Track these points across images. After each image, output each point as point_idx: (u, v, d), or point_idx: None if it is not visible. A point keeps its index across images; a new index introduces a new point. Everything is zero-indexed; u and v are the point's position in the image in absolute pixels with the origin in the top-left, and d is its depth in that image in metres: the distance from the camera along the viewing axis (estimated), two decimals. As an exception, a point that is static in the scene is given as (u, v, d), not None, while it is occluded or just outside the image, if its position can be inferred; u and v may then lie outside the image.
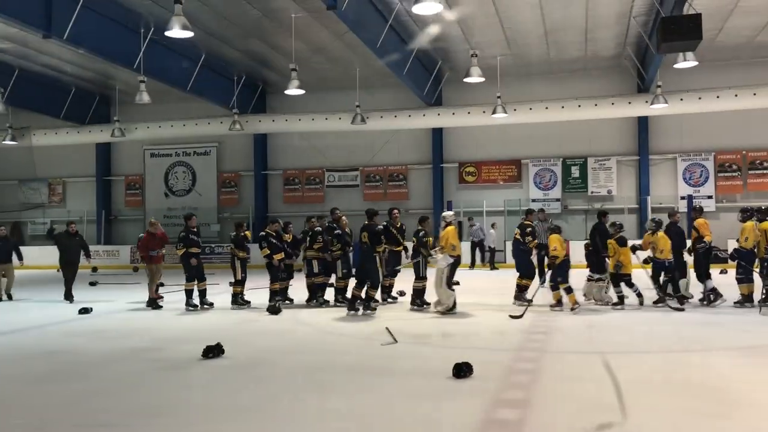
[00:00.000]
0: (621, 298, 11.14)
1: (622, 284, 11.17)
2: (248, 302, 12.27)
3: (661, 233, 11.30)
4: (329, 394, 5.94)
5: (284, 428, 5.07)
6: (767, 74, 20.52)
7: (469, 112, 21.77)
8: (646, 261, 11.48)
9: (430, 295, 11.37)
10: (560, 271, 11.04)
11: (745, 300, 10.97)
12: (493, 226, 22.32)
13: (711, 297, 11.31)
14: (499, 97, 19.82)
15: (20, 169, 28.01)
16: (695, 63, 15.97)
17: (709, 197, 22.06)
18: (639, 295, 11.16)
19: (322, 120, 22.87)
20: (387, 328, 8.86)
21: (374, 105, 22.46)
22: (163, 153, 27.41)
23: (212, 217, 25.96)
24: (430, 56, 21.16)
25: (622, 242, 11.22)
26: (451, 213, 11.60)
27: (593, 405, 5.44)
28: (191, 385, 6.47)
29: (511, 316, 10.22)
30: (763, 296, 10.64)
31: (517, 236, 11.87)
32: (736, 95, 19.53)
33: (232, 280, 12.33)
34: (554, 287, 11.09)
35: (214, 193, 26.81)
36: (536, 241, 11.88)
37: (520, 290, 11.65)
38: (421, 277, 11.53)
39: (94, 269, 19.64)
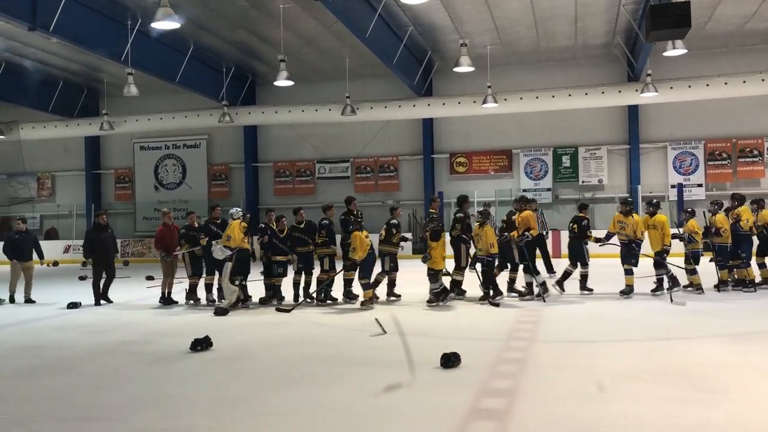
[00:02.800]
0: (436, 295, 10.73)
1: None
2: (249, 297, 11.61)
3: (488, 226, 10.69)
4: (316, 386, 5.92)
5: (271, 420, 5.06)
6: (757, 62, 20.53)
7: (459, 102, 21.71)
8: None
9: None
10: (365, 267, 10.83)
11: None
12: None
13: (542, 290, 10.92)
14: (489, 86, 19.77)
15: (8, 164, 27.73)
16: (685, 51, 15.93)
17: (699, 185, 22.11)
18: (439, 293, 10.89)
19: (312, 111, 22.77)
20: (376, 319, 8.83)
21: (364, 96, 22.37)
22: (153, 146, 27.24)
23: (203, 210, 25.79)
24: (419, 46, 21.08)
25: (435, 236, 10.67)
26: (237, 209, 11.32)
27: (580, 394, 5.44)
28: (178, 378, 6.44)
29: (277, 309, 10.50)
30: (669, 285, 10.97)
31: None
32: (725, 83, 19.54)
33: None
34: (366, 285, 10.80)
35: (205, 185, 26.67)
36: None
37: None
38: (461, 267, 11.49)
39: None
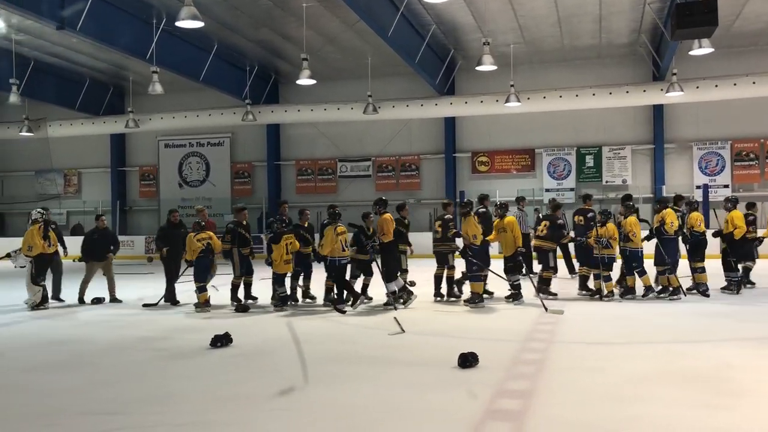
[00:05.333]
0: (283, 299, 10.58)
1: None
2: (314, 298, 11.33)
3: (331, 229, 10.24)
4: (334, 384, 5.94)
5: (289, 417, 5.08)
6: (786, 61, 20.18)
7: (481, 101, 21.60)
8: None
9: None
10: (198, 269, 10.70)
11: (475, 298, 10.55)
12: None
13: (402, 297, 10.58)
14: (512, 85, 19.64)
15: (36, 161, 28.27)
16: (711, 50, 15.67)
17: (726, 186, 21.77)
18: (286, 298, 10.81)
19: (334, 110, 22.82)
20: (395, 318, 8.85)
21: (386, 94, 22.37)
22: (177, 143, 27.54)
23: (226, 208, 26.06)
24: (442, 45, 21.03)
25: (275, 239, 10.41)
26: (37, 210, 11.56)
27: (597, 395, 5.40)
28: (198, 374, 6.49)
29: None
30: (510, 293, 10.81)
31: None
32: (753, 82, 19.18)
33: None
34: (200, 289, 10.68)
35: (228, 183, 26.93)
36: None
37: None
38: (450, 267, 11.20)
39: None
